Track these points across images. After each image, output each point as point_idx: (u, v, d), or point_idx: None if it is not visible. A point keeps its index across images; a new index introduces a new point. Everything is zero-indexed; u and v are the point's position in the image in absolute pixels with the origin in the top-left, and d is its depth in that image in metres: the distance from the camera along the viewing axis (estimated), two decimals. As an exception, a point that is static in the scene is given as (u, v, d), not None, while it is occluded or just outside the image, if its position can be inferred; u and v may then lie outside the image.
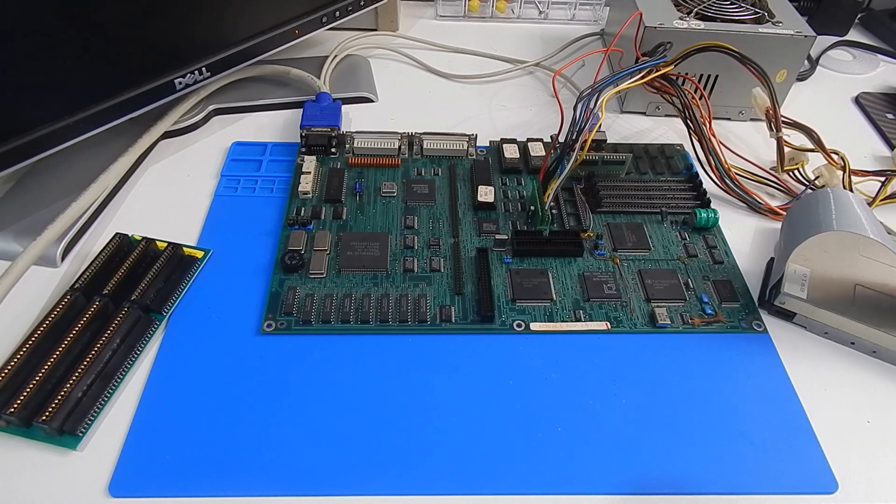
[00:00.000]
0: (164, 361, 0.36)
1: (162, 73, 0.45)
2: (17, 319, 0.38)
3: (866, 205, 0.40)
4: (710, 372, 0.37)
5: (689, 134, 0.49)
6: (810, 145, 0.48)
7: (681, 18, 0.54)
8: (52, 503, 0.31)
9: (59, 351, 0.34)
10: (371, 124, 0.54)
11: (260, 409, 0.34)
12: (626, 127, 0.56)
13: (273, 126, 0.54)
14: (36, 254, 0.39)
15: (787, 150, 0.49)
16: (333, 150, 0.50)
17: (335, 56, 0.60)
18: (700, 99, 0.50)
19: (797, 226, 0.40)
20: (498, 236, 0.43)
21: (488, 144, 0.52)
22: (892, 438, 0.35)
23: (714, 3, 0.56)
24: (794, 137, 0.49)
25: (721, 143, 0.49)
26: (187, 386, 0.35)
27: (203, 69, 0.48)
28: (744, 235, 0.46)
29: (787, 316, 0.40)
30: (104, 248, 0.41)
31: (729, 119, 0.57)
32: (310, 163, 0.48)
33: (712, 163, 0.48)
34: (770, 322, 0.40)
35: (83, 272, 0.39)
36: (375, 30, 0.66)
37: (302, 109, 0.51)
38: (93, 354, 0.35)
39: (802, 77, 0.63)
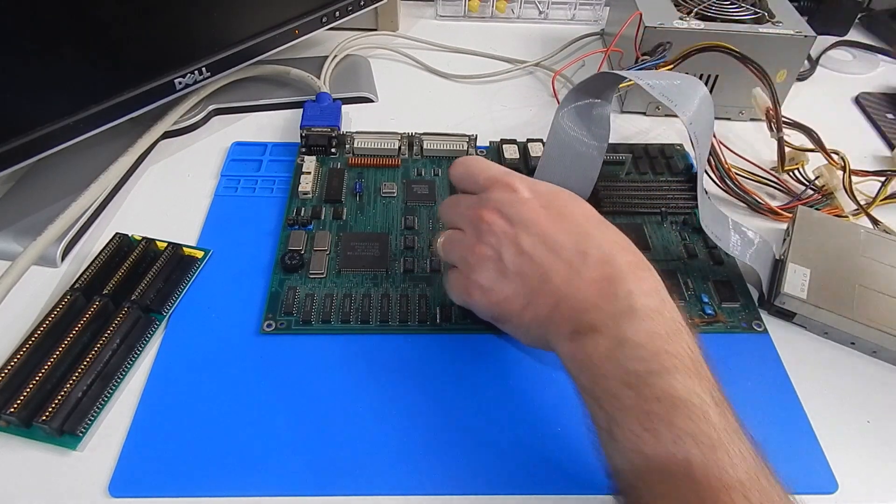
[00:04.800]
0: (164, 361, 0.36)
1: (162, 73, 0.45)
2: (17, 319, 0.38)
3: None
4: (711, 372, 0.37)
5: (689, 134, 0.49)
6: (810, 145, 0.48)
7: (681, 18, 0.54)
8: (52, 503, 0.31)
9: (59, 351, 0.34)
10: (371, 124, 0.54)
11: (260, 409, 0.34)
12: (626, 127, 0.56)
13: (273, 126, 0.54)
14: (36, 254, 0.39)
15: (787, 150, 0.49)
16: (333, 150, 0.50)
17: (335, 56, 0.60)
18: (700, 99, 0.49)
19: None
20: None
21: (488, 145, 0.52)
22: (892, 438, 0.35)
23: (714, 3, 0.56)
24: (795, 137, 0.49)
25: (721, 143, 0.49)
26: (187, 386, 0.35)
27: (203, 69, 0.48)
28: (744, 235, 0.46)
29: (787, 316, 0.40)
30: (104, 248, 0.41)
31: (729, 119, 0.57)
32: (310, 163, 0.48)
33: (712, 163, 0.48)
34: (770, 322, 0.40)
35: (83, 272, 0.39)
36: (375, 30, 0.66)
37: (302, 109, 0.51)
38: (93, 354, 0.35)
39: (802, 77, 0.63)
